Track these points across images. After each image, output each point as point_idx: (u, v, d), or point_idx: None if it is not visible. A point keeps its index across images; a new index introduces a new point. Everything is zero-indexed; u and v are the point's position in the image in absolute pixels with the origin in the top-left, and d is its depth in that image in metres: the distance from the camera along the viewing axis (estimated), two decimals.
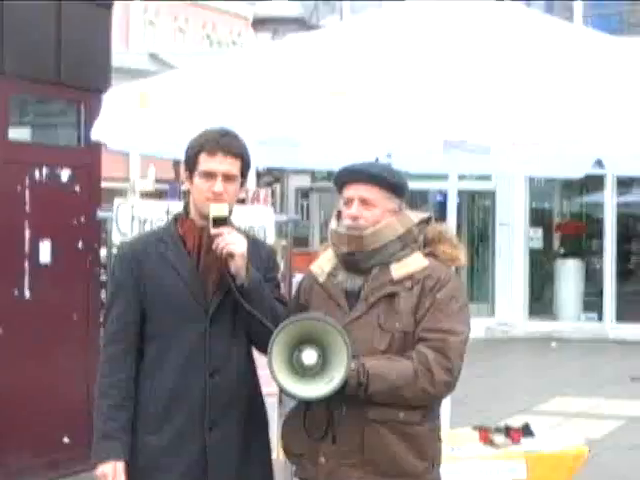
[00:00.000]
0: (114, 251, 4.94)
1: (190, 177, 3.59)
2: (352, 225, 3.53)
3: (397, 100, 4.37)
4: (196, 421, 3.53)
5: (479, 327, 15.58)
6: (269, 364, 3.33)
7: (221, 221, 3.48)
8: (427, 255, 3.59)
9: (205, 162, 3.53)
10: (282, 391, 3.49)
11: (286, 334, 3.35)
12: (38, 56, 7.15)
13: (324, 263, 3.67)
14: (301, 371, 3.37)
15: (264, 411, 3.78)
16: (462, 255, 3.66)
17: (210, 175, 3.53)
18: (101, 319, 6.77)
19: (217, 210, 3.47)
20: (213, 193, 3.52)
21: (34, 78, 7.13)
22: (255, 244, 3.77)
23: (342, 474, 3.46)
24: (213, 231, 3.48)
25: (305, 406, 3.51)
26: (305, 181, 23.95)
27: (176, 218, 3.68)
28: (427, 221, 3.68)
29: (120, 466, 3.51)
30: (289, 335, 3.35)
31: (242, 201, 7.46)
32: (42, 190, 7.12)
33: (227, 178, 3.54)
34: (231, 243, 3.48)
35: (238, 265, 3.49)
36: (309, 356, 3.37)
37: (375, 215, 3.53)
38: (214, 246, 3.49)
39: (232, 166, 3.56)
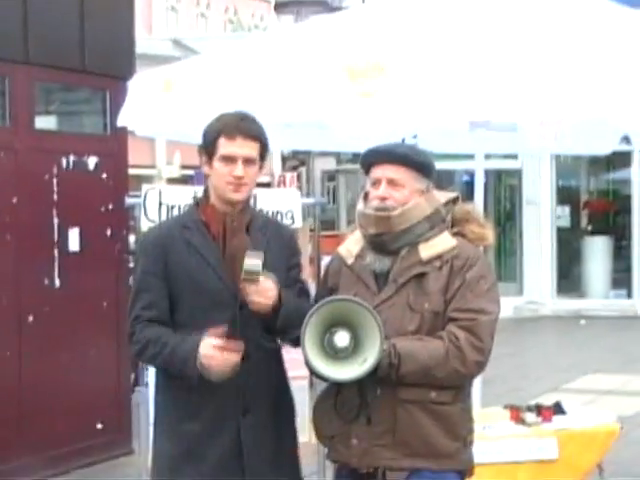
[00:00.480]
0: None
1: (209, 161, 3.58)
2: (380, 206, 3.52)
3: (422, 81, 4.35)
4: (230, 407, 3.53)
5: (507, 306, 15.53)
6: (302, 347, 3.33)
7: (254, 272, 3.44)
8: (455, 235, 3.58)
9: (224, 146, 3.53)
10: (314, 374, 3.48)
11: (318, 316, 3.34)
12: (62, 44, 7.18)
13: (352, 245, 3.67)
14: (333, 353, 3.37)
15: (292, 398, 3.78)
16: (490, 234, 3.65)
17: (230, 159, 3.53)
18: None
19: (251, 266, 3.41)
20: (234, 177, 3.53)
21: (59, 66, 7.16)
22: (278, 228, 3.79)
23: (375, 455, 3.46)
24: (245, 285, 3.43)
25: (336, 388, 3.52)
26: (331, 164, 23.96)
27: (197, 203, 3.67)
28: (454, 201, 3.68)
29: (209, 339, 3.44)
30: (321, 317, 3.35)
31: (267, 185, 7.49)
32: (69, 178, 7.16)
33: (247, 162, 3.55)
34: (261, 299, 3.46)
35: (268, 312, 3.49)
36: (342, 338, 3.36)
37: (403, 195, 3.52)
38: (245, 296, 3.46)
39: (252, 149, 3.56)
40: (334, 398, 3.54)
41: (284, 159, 27.86)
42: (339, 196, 24.28)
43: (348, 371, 3.35)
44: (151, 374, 4.76)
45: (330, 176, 26.70)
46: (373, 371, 3.33)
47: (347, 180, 24.50)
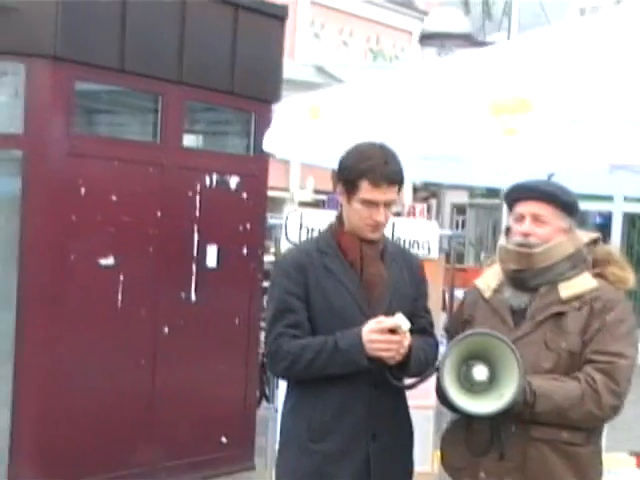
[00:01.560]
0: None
1: (348, 197, 3.60)
2: (523, 242, 3.54)
3: (564, 121, 4.33)
4: (361, 430, 3.58)
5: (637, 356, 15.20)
6: (441, 379, 3.35)
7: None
8: (596, 276, 3.58)
9: (368, 192, 3.55)
10: (448, 405, 3.51)
11: (459, 348, 3.37)
12: (214, 66, 7.37)
13: (490, 279, 3.69)
14: (468, 386, 3.39)
15: (413, 428, 3.82)
16: (631, 277, 3.64)
17: (373, 204, 3.57)
18: (262, 324, 6.99)
19: (404, 324, 3.48)
20: (375, 221, 3.59)
21: (209, 87, 7.35)
22: (408, 257, 3.84)
23: None
24: (392, 338, 3.48)
25: (467, 421, 3.54)
26: (461, 197, 23.85)
27: (332, 228, 3.72)
28: (595, 241, 3.68)
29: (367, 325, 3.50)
30: (460, 349, 3.38)
31: (397, 214, 7.54)
32: (211, 196, 7.32)
33: (388, 204, 3.60)
34: (393, 354, 3.50)
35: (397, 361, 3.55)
36: (480, 372, 3.38)
37: (546, 233, 3.54)
38: (383, 347, 3.49)
39: (394, 193, 3.60)
40: (465, 430, 3.57)
41: (415, 190, 27.86)
42: (468, 230, 24.15)
43: (484, 405, 3.36)
44: (281, 392, 4.85)
45: (460, 209, 26.57)
46: (508, 408, 3.35)
47: (477, 214, 24.36)
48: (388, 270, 3.66)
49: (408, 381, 3.67)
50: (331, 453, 3.57)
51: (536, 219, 3.55)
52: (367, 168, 3.55)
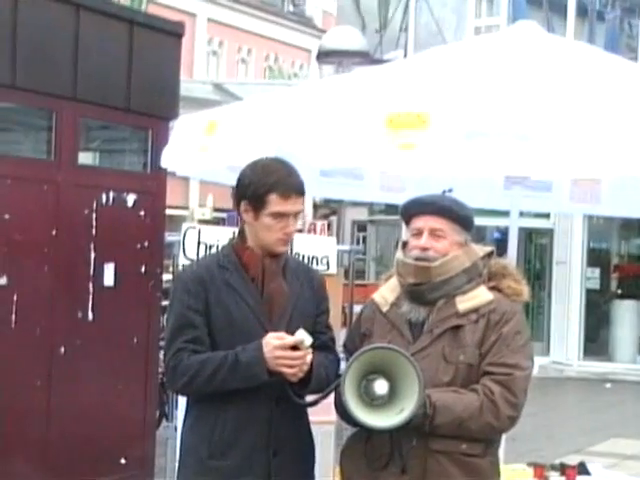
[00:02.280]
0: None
1: (255, 213, 3.58)
2: (421, 255, 3.57)
3: (460, 136, 4.38)
4: (262, 446, 3.56)
5: (533, 368, 15.46)
6: (342, 393, 3.34)
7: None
8: (491, 289, 3.62)
9: (278, 204, 3.55)
10: (348, 420, 3.50)
11: (359, 363, 3.37)
12: (109, 83, 7.29)
13: (387, 293, 3.70)
14: (369, 400, 3.39)
15: (314, 445, 3.81)
16: (526, 290, 3.70)
17: (283, 216, 3.57)
18: (161, 343, 6.89)
19: (307, 340, 3.48)
20: (285, 234, 3.60)
21: (104, 104, 7.26)
22: (309, 272, 3.83)
23: None
24: (295, 354, 3.47)
25: (366, 435, 3.54)
26: (362, 214, 24.01)
27: (232, 244, 3.70)
28: (489, 255, 3.72)
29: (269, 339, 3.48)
30: (361, 364, 3.37)
31: (299, 231, 7.56)
32: (108, 214, 7.23)
33: (296, 216, 3.62)
34: (296, 371, 3.50)
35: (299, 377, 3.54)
36: (381, 386, 3.38)
37: (444, 247, 3.57)
38: (286, 363, 3.48)
39: (301, 204, 3.63)
40: (364, 444, 3.56)
41: (316, 207, 27.98)
42: (369, 246, 24.31)
43: (385, 419, 3.36)
44: (180, 410, 4.80)
45: (360, 226, 26.72)
46: (408, 421, 3.35)
47: (377, 231, 24.53)
48: (289, 285, 3.65)
49: (309, 398, 3.65)
50: (231, 469, 3.54)
51: (433, 233, 3.58)
52: (275, 181, 3.56)
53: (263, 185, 3.55)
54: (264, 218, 3.57)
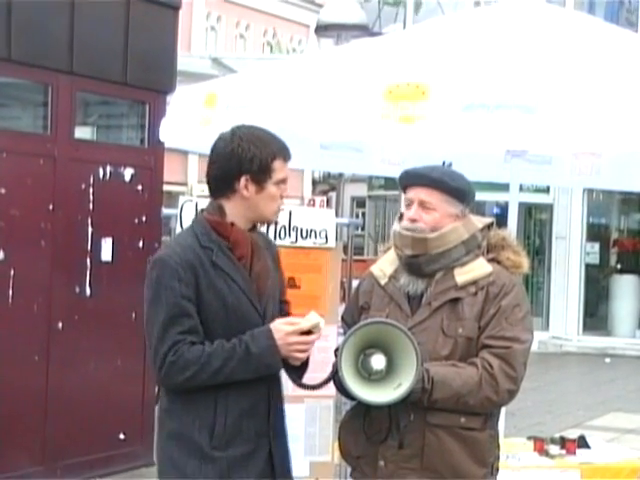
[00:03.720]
0: None
1: (260, 186, 3.41)
2: (410, 227, 3.53)
3: (459, 107, 4.34)
4: (264, 430, 3.47)
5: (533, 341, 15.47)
6: (339, 368, 3.31)
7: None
8: (490, 261, 3.58)
9: (282, 170, 3.44)
10: (346, 395, 3.47)
11: (356, 337, 3.33)
12: (106, 56, 7.25)
13: (385, 266, 3.66)
14: (366, 375, 3.36)
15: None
16: (525, 262, 3.66)
17: (285, 182, 3.47)
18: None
19: (322, 322, 3.41)
20: (283, 201, 3.50)
21: (101, 78, 7.22)
22: (270, 245, 3.68)
23: (401, 478, 3.46)
24: (309, 338, 3.39)
25: (364, 409, 3.51)
26: (361, 190, 24.00)
27: (209, 222, 3.43)
28: (489, 226, 3.68)
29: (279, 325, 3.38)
30: (358, 339, 3.33)
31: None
32: (105, 188, 7.20)
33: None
34: (305, 355, 3.43)
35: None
36: (378, 361, 3.34)
37: (434, 219, 3.52)
38: (297, 348, 3.39)
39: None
40: (362, 418, 3.54)
41: (315, 183, 27.97)
42: (368, 222, 24.31)
43: (383, 394, 3.33)
44: None
45: (359, 202, 26.73)
46: (406, 395, 3.33)
47: (376, 206, 24.54)
48: (266, 260, 3.55)
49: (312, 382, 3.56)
50: (237, 458, 3.40)
51: (423, 205, 3.53)
52: (278, 147, 3.45)
53: (267, 154, 3.41)
54: (270, 188, 3.43)
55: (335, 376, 3.45)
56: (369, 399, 3.35)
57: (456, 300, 3.49)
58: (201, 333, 3.34)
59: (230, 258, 3.40)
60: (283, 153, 3.46)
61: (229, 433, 3.38)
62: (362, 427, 3.54)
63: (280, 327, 3.36)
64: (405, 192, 3.62)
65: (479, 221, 3.66)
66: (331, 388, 3.66)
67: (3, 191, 6.51)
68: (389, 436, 3.46)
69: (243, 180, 3.40)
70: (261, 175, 3.40)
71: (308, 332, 3.39)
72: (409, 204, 3.57)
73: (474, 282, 3.51)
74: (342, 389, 3.44)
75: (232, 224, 3.42)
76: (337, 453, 4.08)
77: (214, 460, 3.37)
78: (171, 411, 3.45)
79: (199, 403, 3.38)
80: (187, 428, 3.38)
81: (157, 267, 3.37)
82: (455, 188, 3.56)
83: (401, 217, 3.63)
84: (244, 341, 3.33)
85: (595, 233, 18.45)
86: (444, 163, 3.66)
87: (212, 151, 3.48)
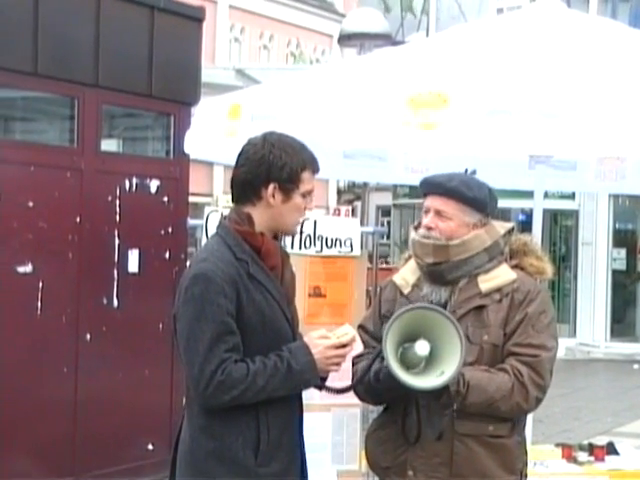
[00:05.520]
0: None
1: (286, 196, 3.36)
2: (425, 234, 3.54)
3: (481, 113, 4.35)
4: (298, 445, 3.47)
5: (560, 347, 15.37)
6: (384, 351, 3.24)
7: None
8: (514, 267, 3.58)
9: (309, 182, 3.40)
10: (370, 400, 3.47)
11: (400, 322, 3.26)
12: (131, 69, 7.29)
13: (408, 274, 3.66)
14: (405, 369, 3.30)
15: None
16: (549, 268, 3.66)
17: (311, 194, 3.43)
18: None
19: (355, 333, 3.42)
20: (305, 213, 3.48)
21: (126, 90, 7.27)
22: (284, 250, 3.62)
23: None
24: (345, 351, 3.36)
25: (392, 419, 3.53)
26: (386, 199, 23.97)
27: (237, 231, 3.37)
28: (510, 232, 3.67)
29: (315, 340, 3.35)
30: (402, 324, 3.27)
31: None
32: (131, 200, 7.23)
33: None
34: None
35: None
36: (422, 347, 3.27)
37: (450, 227, 3.53)
38: (334, 361, 3.36)
39: None
40: (390, 428, 3.55)
41: (340, 192, 27.98)
42: (393, 231, 24.28)
43: (426, 381, 3.27)
44: None
45: (385, 211, 26.68)
46: (438, 396, 3.34)
47: (402, 215, 24.49)
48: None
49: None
50: (280, 472, 3.36)
51: (439, 214, 3.55)
52: (309, 158, 3.40)
53: (298, 164, 3.36)
54: (297, 198, 3.38)
55: (358, 384, 3.46)
56: (414, 384, 3.27)
57: (481, 307, 3.50)
58: (241, 349, 3.27)
59: (263, 269, 3.35)
60: (313, 165, 3.42)
61: (272, 448, 3.33)
62: (389, 436, 3.55)
63: (317, 342, 3.33)
64: (425, 199, 3.64)
65: (501, 227, 3.65)
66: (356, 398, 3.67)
67: (31, 204, 6.56)
68: (417, 445, 3.46)
69: (271, 187, 3.35)
70: (289, 184, 3.35)
71: (345, 345, 3.36)
72: (426, 211, 3.59)
73: (498, 289, 3.51)
74: (364, 394, 3.49)
75: (262, 234, 3.37)
76: (364, 462, 4.07)
77: (259, 477, 3.31)
78: (209, 429, 3.32)
79: (241, 420, 3.30)
80: (230, 447, 3.30)
81: (200, 283, 3.26)
82: (472, 198, 3.55)
83: (417, 226, 3.64)
84: (285, 358, 3.28)
85: (621, 239, 18.35)
86: (466, 170, 3.66)
87: (240, 155, 3.42)
